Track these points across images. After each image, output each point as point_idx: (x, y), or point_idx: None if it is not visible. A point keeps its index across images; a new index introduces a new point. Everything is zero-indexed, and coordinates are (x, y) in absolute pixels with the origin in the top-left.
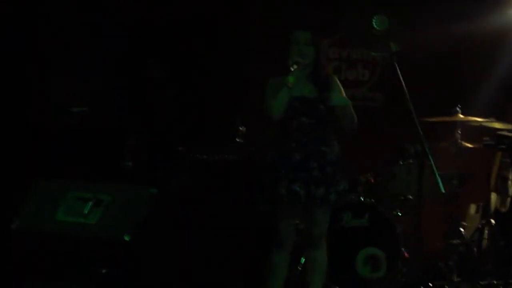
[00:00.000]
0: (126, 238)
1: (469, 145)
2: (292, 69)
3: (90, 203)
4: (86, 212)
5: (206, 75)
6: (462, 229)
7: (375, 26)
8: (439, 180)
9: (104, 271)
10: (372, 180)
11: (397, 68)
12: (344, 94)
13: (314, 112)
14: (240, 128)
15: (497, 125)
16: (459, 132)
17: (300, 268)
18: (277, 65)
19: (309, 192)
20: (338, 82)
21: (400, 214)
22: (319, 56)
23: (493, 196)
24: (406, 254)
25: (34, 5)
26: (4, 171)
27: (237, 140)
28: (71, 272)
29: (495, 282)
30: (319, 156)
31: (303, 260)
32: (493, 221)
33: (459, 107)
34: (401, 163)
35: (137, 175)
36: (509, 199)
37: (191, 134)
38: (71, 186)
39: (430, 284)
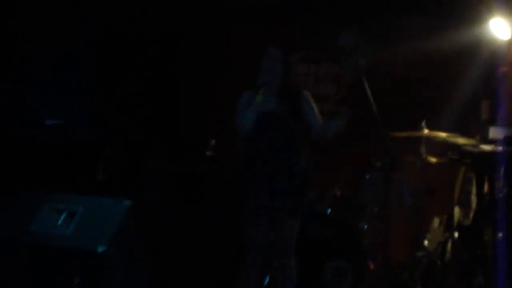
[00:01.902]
0: (100, 249)
1: (434, 160)
2: (262, 90)
3: (64, 215)
4: (60, 223)
5: (178, 89)
6: (426, 242)
7: (343, 41)
8: (407, 192)
9: (77, 281)
10: (339, 193)
11: (365, 82)
12: (316, 109)
13: (283, 126)
14: (211, 141)
15: (461, 140)
16: (424, 147)
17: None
18: (250, 79)
19: (278, 204)
20: (310, 97)
21: (366, 226)
22: (288, 73)
23: (457, 209)
24: (371, 266)
25: (8, 18)
26: None
27: (207, 153)
28: (44, 282)
29: None
30: (287, 169)
31: (267, 280)
32: (456, 234)
33: (424, 122)
34: (368, 176)
35: (110, 187)
36: (472, 213)
37: (163, 147)
38: (45, 198)
39: None
